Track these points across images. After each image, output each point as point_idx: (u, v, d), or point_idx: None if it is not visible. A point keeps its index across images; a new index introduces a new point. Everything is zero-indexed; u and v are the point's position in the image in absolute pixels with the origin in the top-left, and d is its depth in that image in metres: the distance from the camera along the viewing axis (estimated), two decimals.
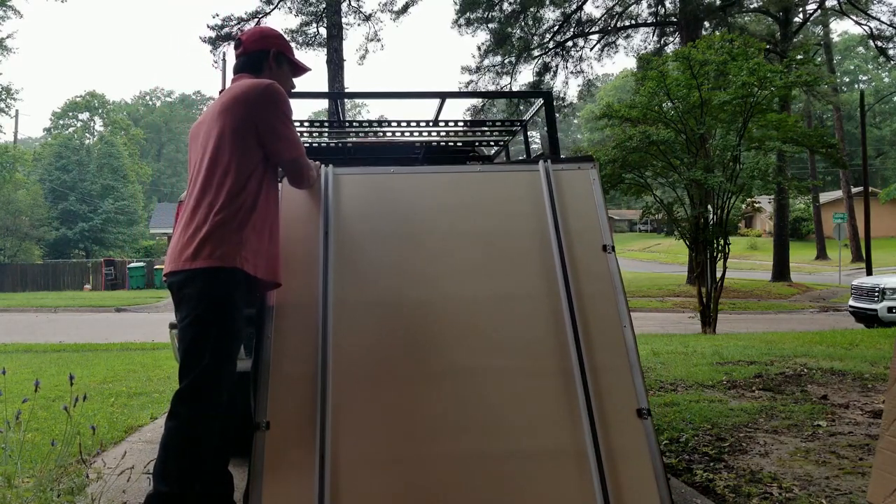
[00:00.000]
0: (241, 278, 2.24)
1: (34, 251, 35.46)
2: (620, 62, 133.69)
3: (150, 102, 73.07)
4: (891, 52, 23.71)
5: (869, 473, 2.44)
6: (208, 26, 19.88)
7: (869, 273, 18.23)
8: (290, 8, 20.00)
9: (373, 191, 2.84)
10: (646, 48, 22.76)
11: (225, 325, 2.21)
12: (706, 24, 21.10)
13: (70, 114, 50.87)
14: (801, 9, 23.43)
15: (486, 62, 22.17)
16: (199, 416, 2.16)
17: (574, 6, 21.78)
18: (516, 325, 2.56)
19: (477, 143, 4.45)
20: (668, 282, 22.14)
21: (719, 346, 7.85)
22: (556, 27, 22.32)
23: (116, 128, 48.71)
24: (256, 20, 19.75)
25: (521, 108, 19.38)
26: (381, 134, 4.69)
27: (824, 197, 38.44)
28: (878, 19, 22.90)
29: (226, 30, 19.86)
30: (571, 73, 23.06)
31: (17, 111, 42.38)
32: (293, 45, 21.36)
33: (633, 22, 22.96)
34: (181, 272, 2.23)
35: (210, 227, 2.21)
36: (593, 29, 22.76)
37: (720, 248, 11.10)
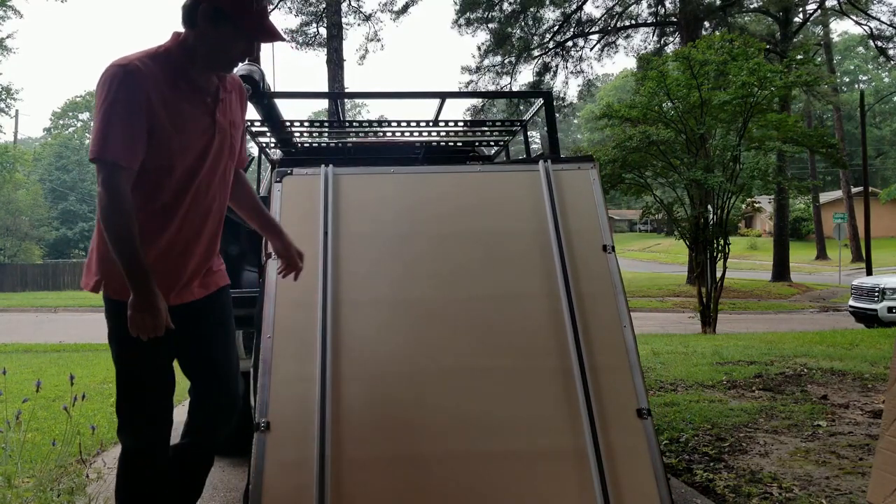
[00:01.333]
0: None
1: (34, 251, 35.45)
2: (620, 62, 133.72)
3: None
4: (891, 52, 23.72)
5: (869, 473, 2.44)
6: None
7: (869, 273, 18.23)
8: (290, 8, 19.99)
9: (373, 191, 2.84)
10: (646, 48, 22.77)
11: None
12: (706, 24, 21.10)
13: (70, 114, 50.84)
14: (801, 9, 23.44)
15: (486, 62, 22.18)
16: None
17: (574, 6, 21.77)
18: (516, 325, 2.56)
19: (477, 143, 4.45)
20: (668, 282, 22.14)
21: (719, 346, 7.85)
22: (556, 27, 22.32)
23: None
24: None
25: (521, 108, 19.37)
26: (381, 134, 4.70)
27: (824, 197, 38.43)
28: (878, 19, 22.91)
29: None
30: (571, 73, 23.07)
31: (17, 111, 42.31)
32: (292, 43, 21.19)
33: (633, 22, 22.96)
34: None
35: None
36: (593, 29, 22.76)
37: (720, 248, 11.10)
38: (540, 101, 3.62)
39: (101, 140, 1.79)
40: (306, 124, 4.01)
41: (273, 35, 1.94)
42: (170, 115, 1.87)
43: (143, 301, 1.79)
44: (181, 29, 1.93)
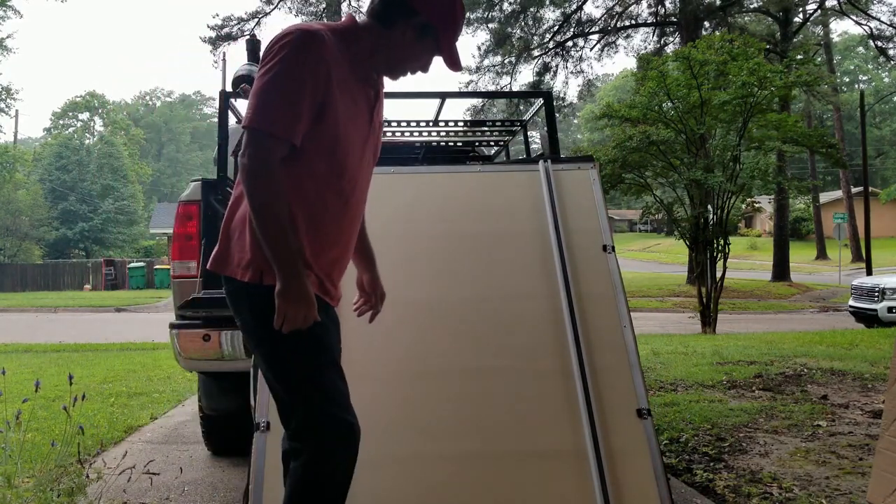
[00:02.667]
0: None
1: (34, 251, 35.46)
2: (620, 62, 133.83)
3: (150, 102, 73.06)
4: (891, 52, 23.73)
5: (869, 473, 2.44)
6: (208, 26, 19.92)
7: (869, 273, 18.22)
8: (290, 8, 20.03)
9: (372, 191, 2.83)
10: (646, 48, 22.78)
11: None
12: (706, 24, 21.11)
13: (70, 114, 50.84)
14: (801, 9, 23.43)
15: (486, 62, 22.20)
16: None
17: (574, 6, 21.78)
18: (516, 325, 2.56)
19: (477, 143, 4.46)
20: (668, 282, 22.13)
21: (719, 346, 7.85)
22: (556, 27, 22.33)
23: (116, 128, 48.70)
24: (256, 20, 19.78)
25: (521, 108, 19.38)
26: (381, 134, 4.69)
27: (824, 197, 38.43)
28: (878, 19, 22.92)
29: (226, 30, 19.88)
30: (571, 73, 23.09)
31: (17, 111, 42.46)
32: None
33: (633, 22, 22.97)
34: None
35: None
36: (593, 29, 22.77)
37: (720, 248, 11.10)
38: (540, 101, 3.62)
39: (260, 107, 1.62)
40: None
41: (455, 63, 1.83)
42: (343, 97, 1.70)
43: (298, 289, 1.60)
44: (356, 16, 1.82)
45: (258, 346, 1.76)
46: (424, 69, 1.85)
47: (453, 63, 1.82)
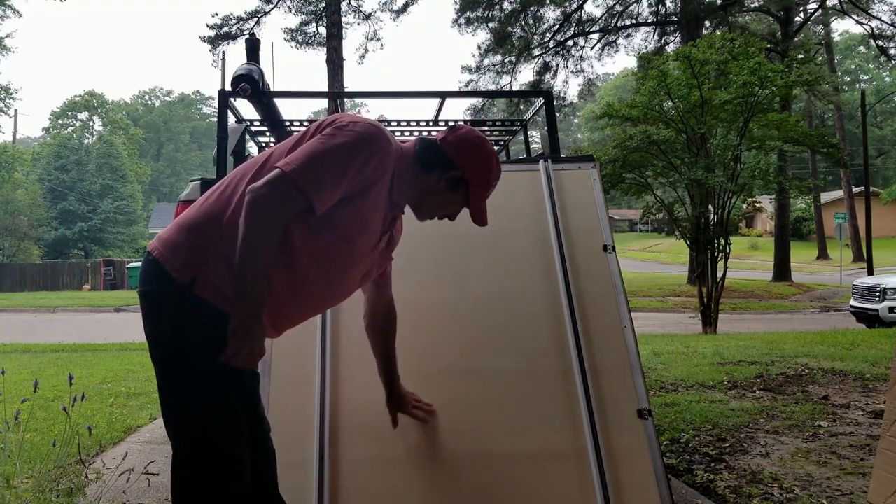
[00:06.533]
0: None
1: (33, 251, 35.45)
2: (621, 62, 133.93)
3: (150, 102, 73.07)
4: (892, 51, 23.73)
5: (870, 474, 2.43)
6: (208, 26, 19.91)
7: (870, 273, 18.22)
8: (289, 7, 20.02)
9: None
10: (646, 47, 22.77)
11: None
12: (707, 23, 21.11)
13: (69, 113, 50.86)
14: (801, 8, 23.43)
15: (486, 61, 22.20)
16: None
17: (574, 5, 21.79)
18: (516, 326, 2.55)
19: None
20: (668, 282, 22.12)
21: (720, 347, 7.84)
22: (557, 26, 22.33)
23: (115, 127, 48.69)
24: (256, 19, 19.77)
25: (522, 107, 19.37)
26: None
27: (825, 197, 38.42)
28: (879, 18, 22.92)
29: (225, 29, 19.87)
30: (572, 72, 23.09)
31: (16, 111, 42.35)
32: (292, 43, 21.16)
33: (633, 21, 22.97)
34: None
35: None
36: (594, 28, 22.77)
37: (721, 247, 11.09)
38: (540, 101, 3.61)
39: (306, 161, 1.63)
40: (306, 124, 4.00)
41: (482, 220, 1.90)
42: (372, 204, 1.75)
43: (255, 329, 1.60)
44: (412, 141, 1.88)
45: (168, 359, 1.72)
46: (451, 217, 1.94)
47: (479, 220, 1.90)
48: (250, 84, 3.27)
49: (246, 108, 4.20)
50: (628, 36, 23.29)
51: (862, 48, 50.04)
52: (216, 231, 1.68)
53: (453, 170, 1.81)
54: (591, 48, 23.04)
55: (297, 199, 1.62)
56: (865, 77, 54.29)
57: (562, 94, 23.06)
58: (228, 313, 1.62)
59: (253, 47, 4.11)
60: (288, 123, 3.83)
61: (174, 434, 1.70)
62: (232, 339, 1.58)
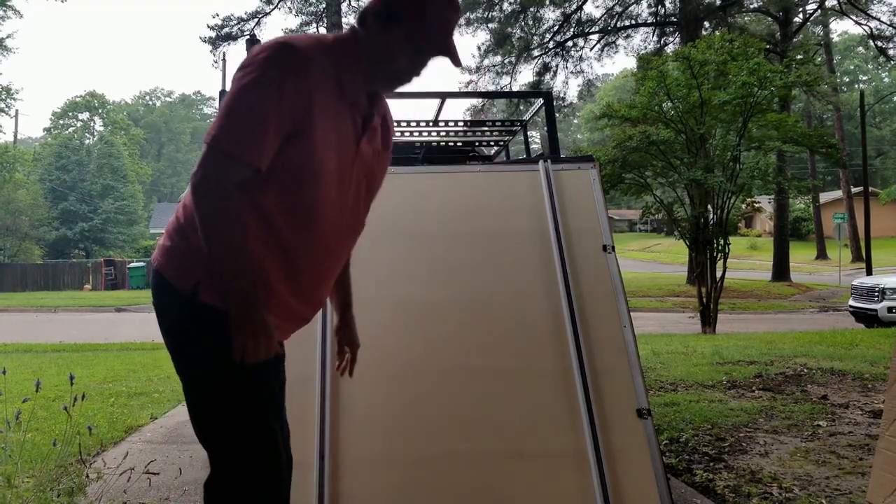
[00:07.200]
0: None
1: (34, 251, 35.43)
2: (620, 62, 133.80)
3: (150, 102, 73.08)
4: (891, 51, 23.73)
5: (869, 473, 2.44)
6: (208, 26, 19.93)
7: (869, 273, 18.22)
8: (290, 8, 20.04)
9: None
10: (646, 48, 22.78)
11: None
12: (706, 23, 21.11)
13: (70, 114, 50.82)
14: (800, 9, 23.44)
15: (486, 62, 22.22)
16: None
17: (574, 6, 21.80)
18: (516, 325, 2.56)
19: (477, 143, 4.45)
20: (668, 282, 22.12)
21: (719, 346, 7.85)
22: (556, 27, 22.34)
23: (116, 128, 48.66)
24: (256, 20, 19.79)
25: (521, 107, 19.39)
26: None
27: (824, 197, 38.42)
28: (878, 19, 22.93)
29: (226, 30, 19.90)
30: (571, 72, 23.10)
31: (17, 111, 42.35)
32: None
33: (633, 22, 22.98)
34: None
35: None
36: (593, 29, 22.78)
37: (720, 248, 11.10)
38: (540, 101, 3.62)
39: (224, 124, 1.44)
40: None
41: (447, 52, 1.57)
42: (324, 124, 1.52)
43: (255, 321, 1.48)
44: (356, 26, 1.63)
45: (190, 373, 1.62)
46: (414, 71, 1.60)
47: (444, 50, 1.57)
48: None
49: None
50: (628, 37, 23.32)
51: (861, 49, 50.00)
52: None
53: (390, 19, 1.54)
54: (591, 49, 23.09)
55: (234, 168, 1.44)
56: (864, 77, 54.30)
57: (561, 95, 23.09)
58: None
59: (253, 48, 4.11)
60: None
61: (205, 446, 1.63)
62: (235, 338, 1.48)
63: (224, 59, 20.69)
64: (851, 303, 12.09)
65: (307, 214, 1.56)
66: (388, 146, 1.78)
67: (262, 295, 1.53)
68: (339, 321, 1.97)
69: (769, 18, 24.07)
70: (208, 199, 1.45)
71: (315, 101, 1.49)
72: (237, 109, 1.46)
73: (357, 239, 1.77)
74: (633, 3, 22.40)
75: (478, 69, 22.28)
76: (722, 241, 11.06)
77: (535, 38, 22.34)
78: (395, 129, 4.00)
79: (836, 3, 22.97)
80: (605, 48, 23.02)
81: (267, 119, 1.45)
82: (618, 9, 22.39)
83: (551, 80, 22.70)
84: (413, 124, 3.91)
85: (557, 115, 4.62)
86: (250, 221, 1.52)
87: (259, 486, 1.60)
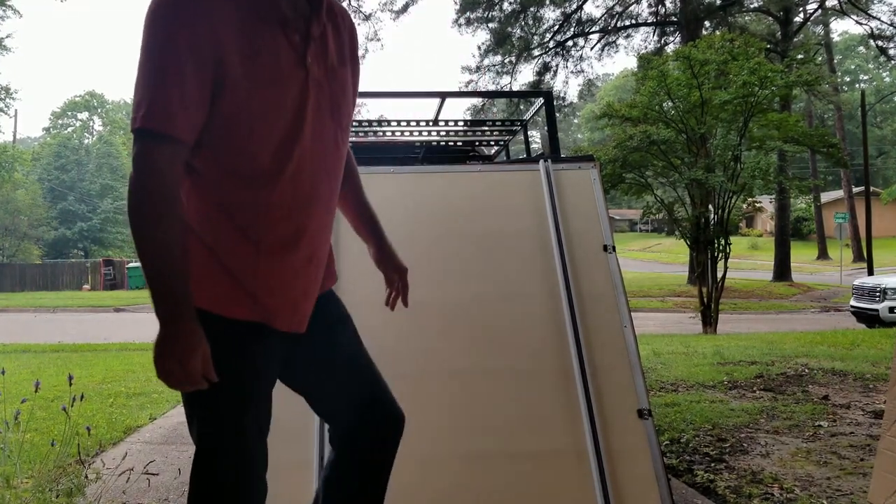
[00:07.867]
0: None
1: (33, 251, 35.47)
2: (621, 62, 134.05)
3: None
4: (891, 51, 23.72)
5: (870, 474, 2.43)
6: None
7: (870, 273, 18.22)
8: None
9: (372, 191, 2.81)
10: (646, 48, 22.78)
11: None
12: (707, 23, 21.11)
13: (69, 113, 50.84)
14: (801, 8, 23.44)
15: (486, 62, 22.19)
16: None
17: (574, 6, 21.79)
18: (516, 326, 2.55)
19: (477, 143, 4.44)
20: (668, 282, 22.12)
21: (720, 347, 7.84)
22: (557, 27, 22.33)
23: (116, 127, 48.66)
24: None
25: (522, 107, 19.38)
26: (381, 133, 4.69)
27: (825, 197, 38.41)
28: (879, 19, 22.93)
29: None
30: (571, 72, 23.11)
31: (16, 111, 42.41)
32: None
33: (633, 21, 22.97)
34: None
35: None
36: (593, 28, 22.77)
37: (721, 247, 11.10)
38: (540, 101, 3.61)
39: (139, 103, 1.24)
40: None
41: None
42: (246, 60, 1.29)
43: (178, 337, 1.25)
44: None
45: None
46: None
47: None
48: None
49: None
50: (628, 36, 23.31)
51: (862, 48, 50.04)
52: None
53: None
54: (591, 48, 23.08)
55: (163, 147, 1.25)
56: (865, 77, 54.30)
57: (562, 95, 23.07)
58: (237, 318, 1.38)
59: None
60: None
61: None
62: (156, 358, 1.26)
63: None
64: (853, 303, 12.09)
65: (273, 163, 1.35)
66: (346, 59, 1.50)
67: (261, 273, 1.37)
68: (376, 252, 1.82)
69: (770, 18, 24.07)
70: (136, 189, 1.25)
71: (224, 40, 1.27)
72: (148, 78, 1.25)
73: (342, 167, 1.55)
74: (633, 3, 22.40)
75: (478, 69, 22.28)
76: (723, 241, 11.06)
77: (535, 37, 22.34)
78: (395, 128, 4.01)
79: (836, 2, 22.97)
80: (606, 48, 23.02)
81: (184, 79, 1.24)
82: (618, 8, 22.38)
83: (551, 79, 22.71)
84: (413, 124, 3.90)
85: (558, 114, 4.61)
86: (211, 194, 1.34)
87: (221, 484, 1.51)
